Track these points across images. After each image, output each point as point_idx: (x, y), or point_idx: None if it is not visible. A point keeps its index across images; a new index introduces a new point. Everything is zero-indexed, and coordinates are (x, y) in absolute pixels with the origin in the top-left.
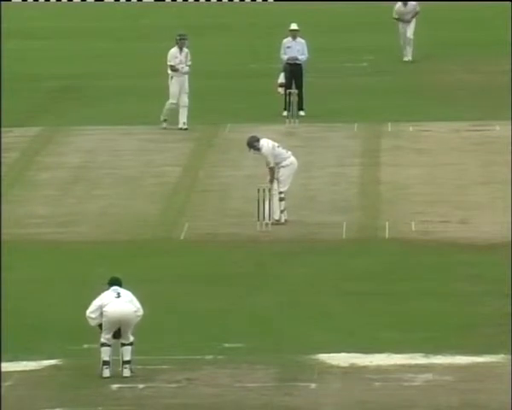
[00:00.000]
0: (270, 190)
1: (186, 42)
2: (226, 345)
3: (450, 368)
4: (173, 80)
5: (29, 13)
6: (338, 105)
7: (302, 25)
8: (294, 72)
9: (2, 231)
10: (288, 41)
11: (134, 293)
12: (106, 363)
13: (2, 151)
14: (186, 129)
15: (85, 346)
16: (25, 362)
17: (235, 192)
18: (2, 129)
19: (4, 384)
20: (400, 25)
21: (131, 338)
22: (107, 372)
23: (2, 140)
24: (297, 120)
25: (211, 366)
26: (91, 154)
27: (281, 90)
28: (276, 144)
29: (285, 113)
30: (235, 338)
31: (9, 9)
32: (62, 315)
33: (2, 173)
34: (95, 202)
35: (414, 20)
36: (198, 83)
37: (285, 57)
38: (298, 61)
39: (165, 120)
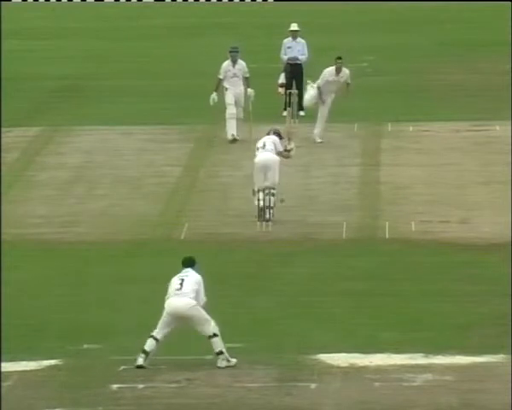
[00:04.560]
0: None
1: (238, 54)
2: (226, 345)
3: (451, 368)
4: (228, 92)
5: (29, 13)
6: (338, 105)
7: (302, 25)
8: (295, 72)
9: (3, 231)
10: (288, 41)
11: (134, 293)
12: (144, 352)
13: (2, 151)
14: (236, 140)
15: (85, 346)
16: (25, 362)
17: (235, 192)
18: (2, 129)
19: (4, 384)
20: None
21: (211, 331)
22: (140, 360)
23: (2, 140)
24: (297, 120)
25: (211, 366)
26: (91, 154)
27: (281, 90)
28: (262, 144)
29: (285, 113)
30: (235, 338)
31: (9, 9)
32: (62, 315)
33: (2, 173)
34: (95, 202)
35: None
36: (198, 83)
37: (285, 57)
38: (298, 62)
39: (232, 135)
